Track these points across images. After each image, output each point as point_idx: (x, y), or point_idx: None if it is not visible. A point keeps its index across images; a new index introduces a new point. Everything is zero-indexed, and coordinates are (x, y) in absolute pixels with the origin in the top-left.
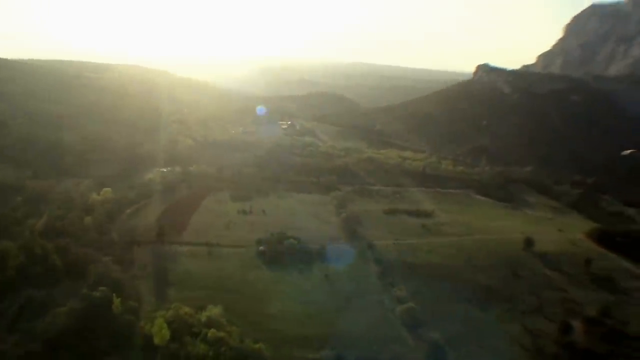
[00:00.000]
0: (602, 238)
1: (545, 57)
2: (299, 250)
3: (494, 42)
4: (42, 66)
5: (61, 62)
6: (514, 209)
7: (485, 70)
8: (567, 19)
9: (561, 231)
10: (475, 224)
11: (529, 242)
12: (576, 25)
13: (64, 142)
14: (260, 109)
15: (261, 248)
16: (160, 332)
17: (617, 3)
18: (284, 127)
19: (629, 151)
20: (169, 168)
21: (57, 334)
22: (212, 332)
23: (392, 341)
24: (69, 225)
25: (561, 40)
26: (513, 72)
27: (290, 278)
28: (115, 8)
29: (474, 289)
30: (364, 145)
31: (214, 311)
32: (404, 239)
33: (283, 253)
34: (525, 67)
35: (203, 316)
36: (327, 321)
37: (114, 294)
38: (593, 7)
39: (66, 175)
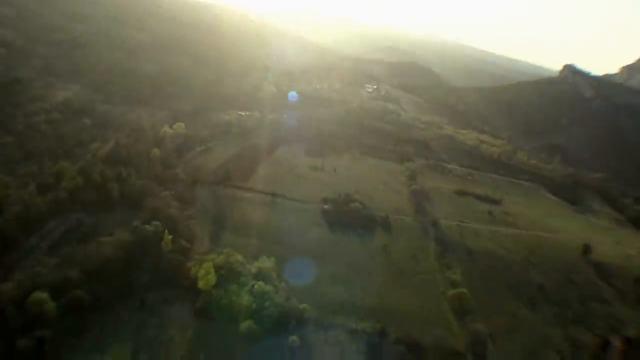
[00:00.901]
0: None
1: (628, 70)
2: (362, 215)
3: (581, 43)
4: None
5: None
6: (578, 212)
7: (571, 71)
8: None
9: (619, 244)
10: (540, 220)
11: (587, 249)
12: None
13: (143, 71)
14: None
15: (326, 207)
16: (206, 277)
17: None
18: (369, 90)
19: None
20: (247, 112)
21: (99, 264)
22: (259, 285)
23: (437, 325)
24: (135, 154)
25: None
26: (597, 78)
27: (348, 242)
28: None
29: (527, 286)
30: (444, 121)
31: (266, 263)
32: (468, 222)
33: (346, 215)
34: (608, 75)
35: (254, 266)
36: (376, 292)
37: (166, 230)
38: None
39: (140, 105)
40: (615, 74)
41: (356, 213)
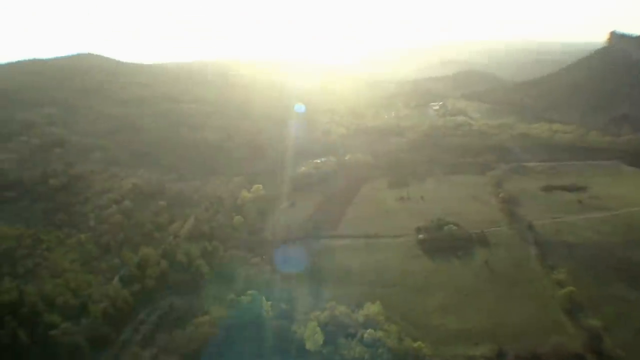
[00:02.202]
0: None
1: None
2: (458, 236)
3: (617, 13)
4: (178, 67)
5: (196, 63)
6: None
7: (617, 36)
8: None
9: None
10: (628, 196)
11: None
12: None
13: (208, 141)
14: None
15: (420, 236)
16: (313, 337)
17: None
18: (435, 108)
19: None
20: (322, 159)
21: (199, 345)
22: (369, 333)
23: (552, 330)
24: (217, 227)
25: None
26: None
27: (450, 266)
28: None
29: (631, 267)
30: (515, 120)
31: (372, 309)
32: (561, 217)
33: (443, 240)
34: None
35: (360, 315)
36: (487, 312)
37: (263, 297)
38: None
39: (213, 175)
40: None
41: (451, 235)
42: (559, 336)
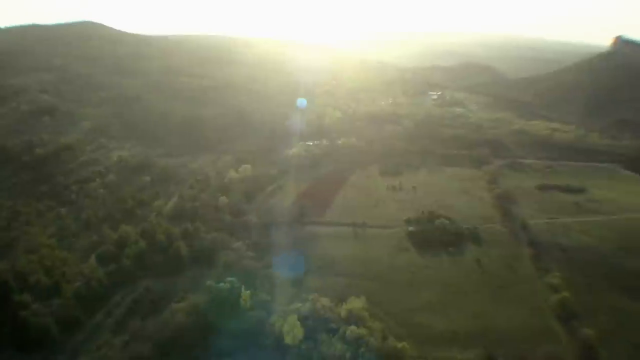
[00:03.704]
0: None
1: None
2: (449, 231)
3: (623, 17)
4: (179, 41)
5: (197, 37)
6: None
7: (622, 42)
8: None
9: None
10: (626, 201)
11: None
12: None
13: (202, 117)
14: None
15: (411, 228)
16: (292, 331)
17: None
18: (434, 97)
19: None
20: (315, 141)
21: (173, 334)
22: (351, 330)
23: (545, 337)
24: (201, 207)
25: None
26: None
27: (440, 263)
28: None
29: (626, 275)
30: (513, 116)
31: (356, 303)
32: (557, 218)
33: (433, 234)
34: None
35: (343, 310)
36: (476, 313)
37: (243, 286)
38: None
39: (203, 152)
40: None
41: (443, 230)
42: (551, 344)
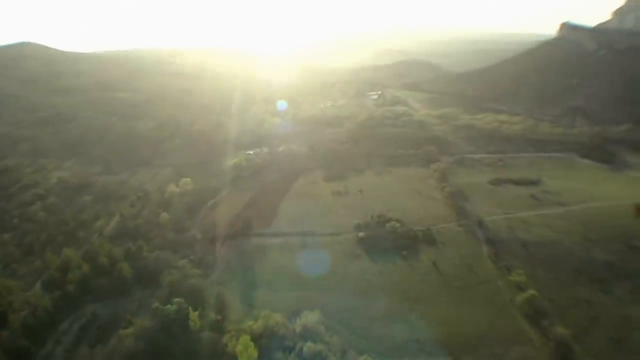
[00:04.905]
0: None
1: (619, 13)
2: (402, 234)
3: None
4: (112, 57)
5: (131, 52)
6: (616, 170)
7: (569, 28)
8: None
9: None
10: (583, 190)
11: (639, 209)
12: None
13: (138, 131)
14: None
15: (361, 234)
16: (246, 351)
17: None
18: (373, 97)
19: None
20: (255, 150)
21: None
22: (308, 346)
23: (515, 339)
24: (143, 224)
25: None
26: (597, 30)
27: (395, 268)
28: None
29: (593, 267)
30: (458, 111)
31: (311, 317)
32: (514, 212)
33: (385, 238)
34: (601, 24)
35: (297, 325)
36: (438, 319)
37: (190, 307)
38: None
39: (142, 167)
40: (608, 20)
41: (394, 233)
42: (522, 346)
